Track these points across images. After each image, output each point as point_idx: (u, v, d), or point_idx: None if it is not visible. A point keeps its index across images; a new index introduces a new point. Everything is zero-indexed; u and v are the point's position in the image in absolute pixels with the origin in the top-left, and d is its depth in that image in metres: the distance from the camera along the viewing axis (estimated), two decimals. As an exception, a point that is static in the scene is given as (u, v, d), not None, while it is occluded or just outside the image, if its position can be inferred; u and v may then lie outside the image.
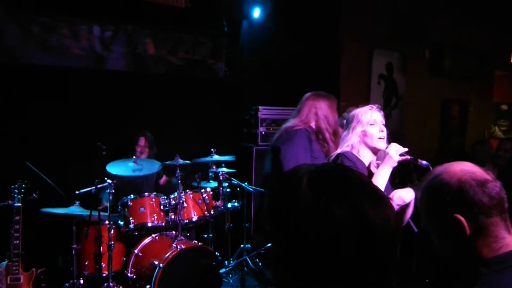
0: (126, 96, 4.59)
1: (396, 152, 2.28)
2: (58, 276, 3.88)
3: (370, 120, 2.38)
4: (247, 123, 5.32)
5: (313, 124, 3.06)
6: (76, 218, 3.63)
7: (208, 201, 4.04)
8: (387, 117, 6.26)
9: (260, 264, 4.43)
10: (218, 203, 4.09)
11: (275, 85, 5.32)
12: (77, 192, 3.45)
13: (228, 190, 4.26)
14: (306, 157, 2.92)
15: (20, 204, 3.23)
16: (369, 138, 2.36)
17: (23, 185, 3.31)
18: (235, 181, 4.23)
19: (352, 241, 0.71)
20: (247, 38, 5.49)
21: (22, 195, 3.27)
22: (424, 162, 2.32)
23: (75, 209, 3.56)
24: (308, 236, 0.72)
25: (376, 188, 0.79)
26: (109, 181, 3.46)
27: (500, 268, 1.13)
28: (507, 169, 3.65)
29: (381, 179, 2.25)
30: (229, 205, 4.19)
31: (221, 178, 4.08)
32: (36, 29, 4.23)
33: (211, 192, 4.17)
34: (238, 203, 4.29)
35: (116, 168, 3.66)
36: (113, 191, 3.48)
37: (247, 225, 4.57)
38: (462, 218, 1.15)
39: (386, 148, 2.33)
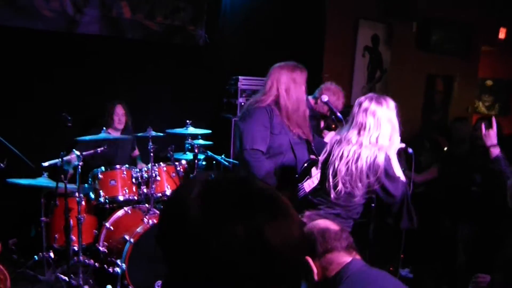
0: (99, 62, 4.39)
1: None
2: (30, 247, 3.81)
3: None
4: (227, 93, 5.18)
5: (276, 98, 2.96)
6: (44, 190, 3.52)
7: (182, 174, 3.95)
8: (370, 90, 6.23)
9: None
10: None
11: (257, 55, 5.14)
12: (43, 164, 3.31)
13: (203, 163, 4.16)
14: (264, 134, 2.86)
15: (-17, 175, 3.09)
16: None
17: (-14, 156, 3.16)
18: (210, 154, 4.12)
19: (249, 263, 0.63)
20: (230, 5, 5.27)
21: (-15, 165, 3.13)
22: (410, 149, 2.70)
23: (43, 181, 3.44)
24: (200, 260, 0.64)
25: (278, 201, 0.69)
26: (77, 153, 3.31)
27: (340, 281, 1.49)
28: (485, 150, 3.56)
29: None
30: (205, 178, 4.09)
31: (196, 151, 3.97)
32: (5, -12, 3.97)
33: (186, 165, 4.07)
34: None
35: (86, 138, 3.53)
36: (82, 163, 3.34)
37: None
38: (310, 259, 1.57)
39: None
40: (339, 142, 2.45)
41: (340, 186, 2.36)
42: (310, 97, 3.82)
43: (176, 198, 0.72)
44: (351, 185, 2.34)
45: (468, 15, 6.74)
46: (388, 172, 2.34)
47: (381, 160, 2.31)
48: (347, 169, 2.33)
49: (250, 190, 0.68)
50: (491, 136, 2.88)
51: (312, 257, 1.56)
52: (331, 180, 2.41)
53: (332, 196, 2.39)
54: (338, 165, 2.37)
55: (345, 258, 1.53)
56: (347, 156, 2.35)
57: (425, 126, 6.82)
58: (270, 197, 0.68)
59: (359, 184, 2.33)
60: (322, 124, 3.96)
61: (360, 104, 2.43)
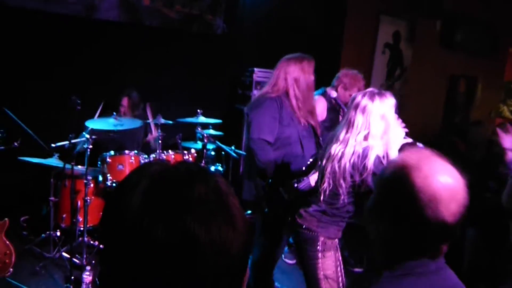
0: (116, 47, 4.45)
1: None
2: (40, 225, 3.91)
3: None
4: (242, 85, 5.18)
5: (285, 90, 2.94)
6: (54, 170, 3.61)
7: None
8: (389, 88, 6.13)
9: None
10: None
11: (275, 47, 5.09)
12: (53, 145, 3.38)
13: (212, 153, 4.18)
14: (272, 125, 2.84)
15: (-6, 153, 3.18)
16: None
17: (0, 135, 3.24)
18: (218, 144, 4.14)
19: (177, 262, 0.62)
20: (250, -5, 5.25)
21: (-3, 144, 3.21)
22: (420, 144, 2.39)
23: (53, 161, 3.52)
24: (131, 255, 0.63)
25: (220, 206, 0.66)
26: (87, 135, 3.37)
27: (403, 274, 1.11)
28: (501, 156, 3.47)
29: None
30: (212, 168, 4.12)
31: (205, 141, 3.99)
32: (26, -29, 4.04)
33: (195, 154, 4.10)
34: (222, 166, 4.23)
35: (96, 124, 3.57)
36: (91, 146, 3.40)
37: (230, 189, 4.51)
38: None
39: None
40: (331, 139, 2.37)
41: (325, 184, 2.29)
42: (329, 88, 3.77)
43: (124, 187, 0.70)
44: (335, 184, 2.26)
45: (495, 14, 6.53)
46: (376, 174, 2.19)
47: (370, 161, 2.18)
48: (331, 167, 2.26)
49: (192, 191, 0.66)
50: (509, 140, 2.83)
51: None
52: (319, 177, 2.38)
53: (320, 193, 2.33)
54: (325, 163, 2.32)
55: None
56: (333, 154, 2.28)
57: (445, 128, 6.68)
58: (211, 200, 0.66)
59: (343, 184, 2.24)
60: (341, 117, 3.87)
61: (353, 99, 2.30)
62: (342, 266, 2.41)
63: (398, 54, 6.09)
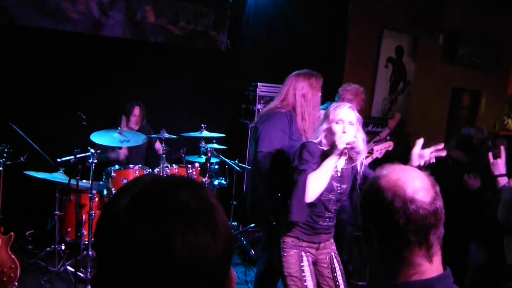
0: (122, 64, 4.52)
1: (342, 142, 2.31)
2: (45, 239, 3.94)
3: (336, 118, 2.39)
4: (246, 99, 5.23)
5: (293, 105, 2.97)
6: (59, 184, 3.65)
7: (194, 177, 4.01)
8: (392, 102, 6.15)
9: (244, 242, 4.42)
10: (205, 179, 4.05)
11: (278, 62, 5.17)
12: (58, 159, 3.43)
13: (216, 167, 4.21)
14: (282, 139, 2.85)
15: (1, 168, 3.23)
16: (333, 136, 2.38)
17: (6, 150, 3.29)
18: (222, 158, 4.17)
19: (157, 270, 0.65)
20: (253, 12, 5.33)
21: (3, 159, 3.26)
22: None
23: (58, 176, 3.56)
24: (116, 263, 0.67)
25: (200, 215, 0.69)
26: (92, 150, 3.42)
27: None
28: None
29: (324, 169, 2.32)
30: (216, 182, 4.15)
31: (209, 155, 4.02)
32: (33, -10, 4.14)
33: (199, 168, 4.13)
34: (225, 180, 4.25)
35: (101, 138, 3.62)
36: (96, 161, 3.44)
37: (234, 202, 4.53)
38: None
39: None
40: None
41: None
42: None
43: (117, 194, 0.74)
44: None
45: (498, 28, 6.57)
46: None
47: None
48: None
49: (174, 197, 0.69)
50: (499, 166, 2.81)
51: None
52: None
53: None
54: None
55: (421, 261, 1.08)
56: None
57: (448, 142, 6.67)
58: (192, 206, 0.69)
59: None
60: None
61: None
62: (311, 267, 2.46)
63: (401, 68, 6.12)
